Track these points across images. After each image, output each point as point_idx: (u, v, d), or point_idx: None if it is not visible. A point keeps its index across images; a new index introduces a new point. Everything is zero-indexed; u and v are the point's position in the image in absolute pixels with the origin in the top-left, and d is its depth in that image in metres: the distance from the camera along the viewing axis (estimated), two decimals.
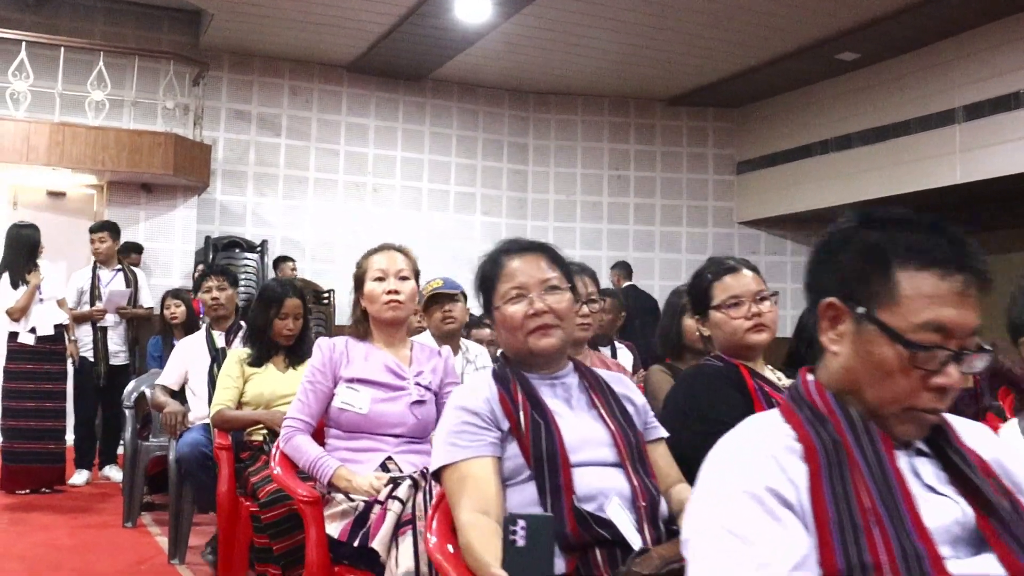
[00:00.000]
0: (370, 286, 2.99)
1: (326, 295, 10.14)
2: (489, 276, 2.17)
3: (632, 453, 2.05)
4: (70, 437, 6.57)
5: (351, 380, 2.93)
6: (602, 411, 2.11)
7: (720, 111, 12.13)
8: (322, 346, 3.00)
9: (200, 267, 8.79)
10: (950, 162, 9.37)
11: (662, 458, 2.19)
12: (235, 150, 10.40)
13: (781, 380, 2.66)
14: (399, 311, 2.99)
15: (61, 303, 6.44)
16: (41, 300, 6.23)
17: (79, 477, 6.62)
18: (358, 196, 10.96)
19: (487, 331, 6.47)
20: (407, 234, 10.90)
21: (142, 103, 9.36)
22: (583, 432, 2.04)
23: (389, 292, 2.96)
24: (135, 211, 9.31)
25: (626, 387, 2.24)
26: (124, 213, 9.14)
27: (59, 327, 6.33)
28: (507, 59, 10.41)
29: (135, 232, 9.14)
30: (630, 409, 2.17)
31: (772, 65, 10.32)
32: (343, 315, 10.18)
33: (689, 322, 3.71)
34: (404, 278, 3.01)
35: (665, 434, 2.23)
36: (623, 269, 10.93)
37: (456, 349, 4.19)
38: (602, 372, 2.25)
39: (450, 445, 2.00)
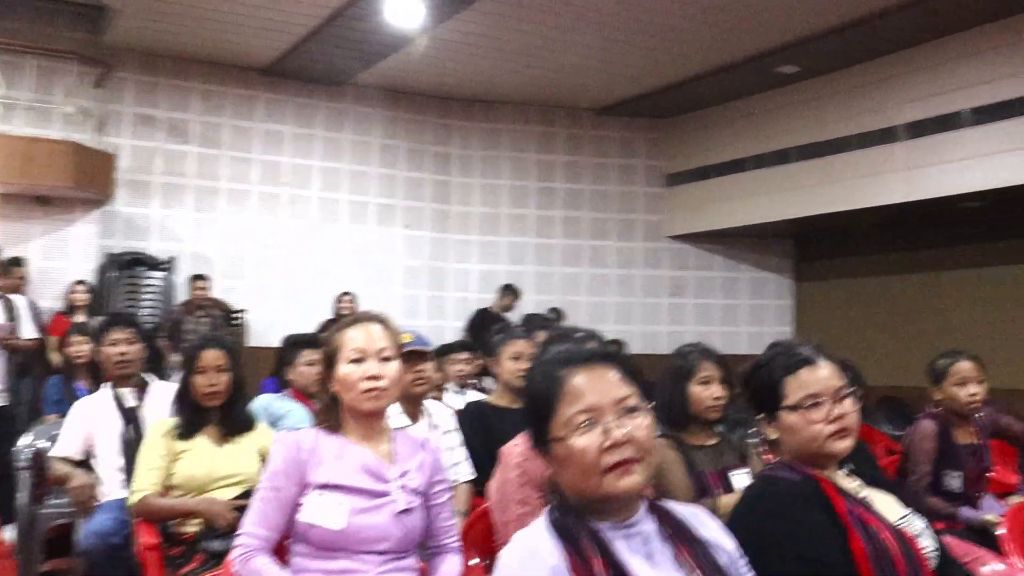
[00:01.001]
0: (345, 369, 2.42)
1: (237, 314, 9.47)
2: (545, 397, 1.65)
3: None
4: None
5: (323, 486, 2.36)
6: (695, 569, 1.62)
7: (651, 121, 11.77)
8: (286, 442, 2.42)
9: (80, 287, 7.98)
10: (892, 180, 9.13)
11: None
12: (141, 158, 9.58)
13: (861, 492, 2.19)
14: (382, 400, 2.43)
15: None
16: None
17: None
18: (272, 208, 10.27)
19: (465, 355, 5.73)
20: (324, 248, 10.33)
21: (38, 107, 8.61)
22: None
23: (369, 378, 2.40)
24: (29, 227, 8.45)
25: (708, 527, 1.75)
26: (17, 229, 8.30)
27: None
28: (435, 65, 9.85)
29: (27, 249, 8.29)
30: (722, 560, 1.68)
31: (709, 76, 9.99)
32: (256, 336, 9.55)
33: (696, 389, 3.25)
34: (386, 359, 2.45)
35: None
36: (511, 292, 10.45)
37: (419, 414, 3.63)
38: (676, 507, 1.75)
39: None
